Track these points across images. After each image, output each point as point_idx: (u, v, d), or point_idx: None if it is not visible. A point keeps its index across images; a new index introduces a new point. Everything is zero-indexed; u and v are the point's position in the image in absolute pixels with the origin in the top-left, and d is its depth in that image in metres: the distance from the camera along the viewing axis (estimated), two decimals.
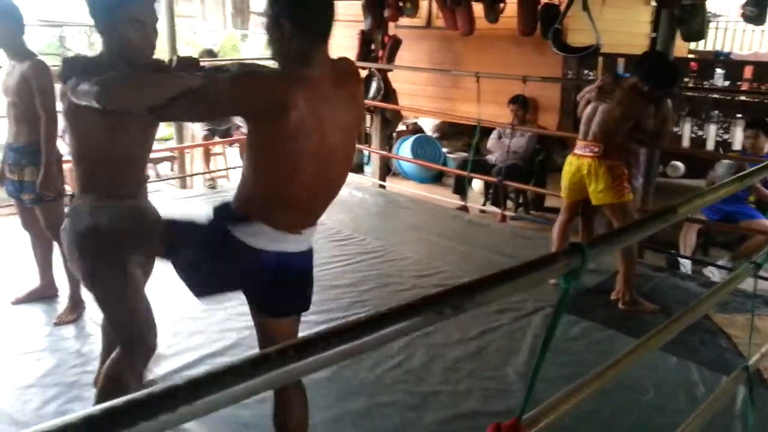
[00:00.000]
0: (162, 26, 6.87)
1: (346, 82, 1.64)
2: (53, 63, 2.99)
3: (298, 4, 1.53)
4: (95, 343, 2.77)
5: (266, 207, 1.61)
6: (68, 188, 3.10)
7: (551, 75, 5.23)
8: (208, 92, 1.58)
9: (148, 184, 2.09)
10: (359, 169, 6.76)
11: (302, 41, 1.52)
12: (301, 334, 2.82)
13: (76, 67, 1.72)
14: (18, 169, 2.88)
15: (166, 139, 7.07)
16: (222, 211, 1.67)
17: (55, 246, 3.03)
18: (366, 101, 5.84)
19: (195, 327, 2.94)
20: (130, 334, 1.88)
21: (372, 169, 6.26)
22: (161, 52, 9.82)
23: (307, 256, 1.73)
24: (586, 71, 5.52)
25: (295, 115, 1.47)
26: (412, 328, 0.74)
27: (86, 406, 2.32)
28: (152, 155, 6.55)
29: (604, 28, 4.50)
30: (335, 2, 1.61)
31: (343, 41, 7.40)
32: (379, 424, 2.29)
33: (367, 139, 6.76)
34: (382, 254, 3.98)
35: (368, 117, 6.53)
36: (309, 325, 2.96)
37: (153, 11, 1.80)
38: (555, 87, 5.57)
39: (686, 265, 4.33)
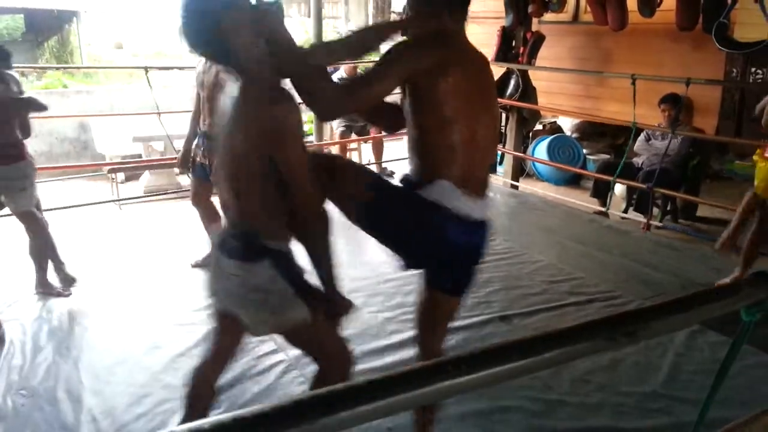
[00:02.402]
0: (310, 27, 7.22)
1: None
2: None
3: None
4: None
5: (469, 176, 1.65)
6: None
7: (711, 73, 4.78)
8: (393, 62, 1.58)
9: None
10: (491, 168, 6.64)
11: (452, 20, 1.66)
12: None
13: None
14: (210, 154, 3.26)
15: (307, 135, 7.44)
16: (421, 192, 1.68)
17: None
18: (503, 100, 5.71)
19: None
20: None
21: (505, 168, 6.12)
22: None
23: None
24: (754, 69, 4.97)
25: (471, 69, 1.63)
26: (580, 353, 0.70)
27: (221, 379, 2.50)
28: None
29: None
30: None
31: (481, 38, 7.31)
32: (501, 429, 2.24)
33: (501, 138, 6.62)
34: (511, 256, 3.88)
35: (504, 115, 6.39)
36: None
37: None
38: (715, 86, 5.08)
39: None
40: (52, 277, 3.24)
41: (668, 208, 5.12)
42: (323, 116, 1.69)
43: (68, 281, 3.22)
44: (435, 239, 1.65)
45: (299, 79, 1.52)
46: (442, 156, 1.64)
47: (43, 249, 3.14)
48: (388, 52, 1.58)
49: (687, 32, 4.57)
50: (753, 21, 4.15)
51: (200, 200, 3.50)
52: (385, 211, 1.70)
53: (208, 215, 3.51)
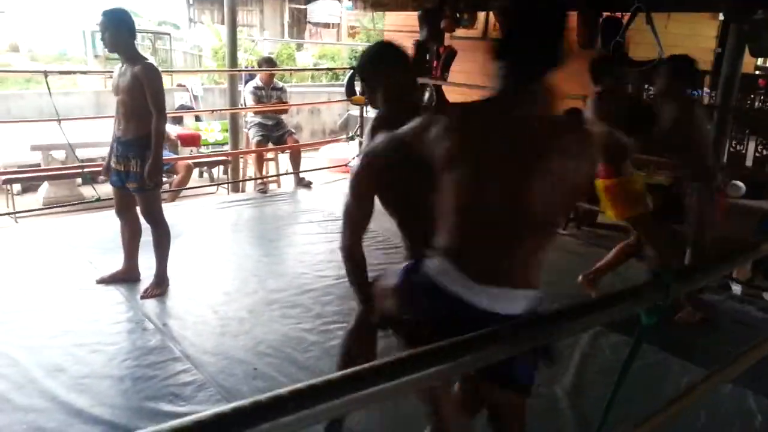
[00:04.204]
0: (224, 35, 7.08)
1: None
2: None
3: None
4: (152, 340, 2.85)
5: None
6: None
7: None
8: None
9: None
10: None
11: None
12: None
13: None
14: (124, 161, 3.14)
15: (221, 144, 7.26)
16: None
17: (146, 231, 3.32)
18: None
19: (241, 328, 3.00)
20: None
21: None
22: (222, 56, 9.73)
23: None
24: (647, 86, 5.37)
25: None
26: (500, 353, 0.73)
27: (131, 400, 2.39)
28: (207, 159, 6.69)
29: (668, 42, 4.38)
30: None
31: None
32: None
33: None
34: None
35: None
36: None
37: (404, 60, 1.92)
38: None
39: (737, 288, 4.13)
40: None
41: (571, 216, 5.41)
42: None
43: None
44: None
45: None
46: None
47: None
48: None
49: (587, 50, 4.87)
50: (646, 41, 4.49)
51: (121, 209, 3.32)
52: None
53: (129, 226, 3.36)
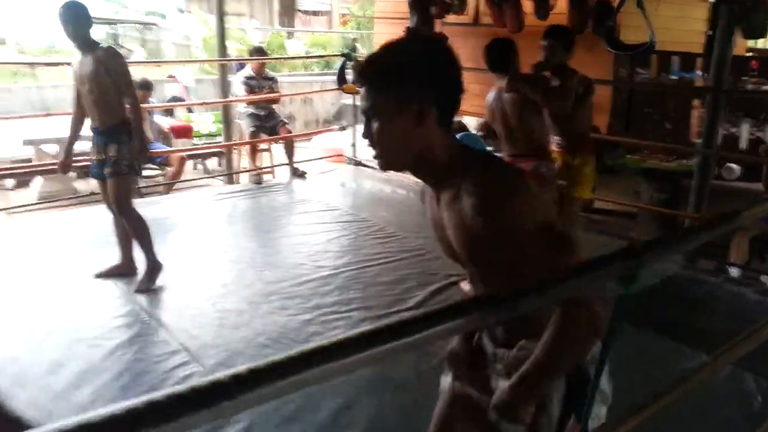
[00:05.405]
0: (212, 23, 7.02)
1: None
2: None
3: None
4: (150, 334, 2.86)
5: None
6: None
7: (602, 73, 5.09)
8: None
9: None
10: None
11: None
12: (345, 333, 2.85)
13: None
14: (103, 148, 3.15)
15: (214, 135, 7.22)
16: None
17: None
18: None
19: (240, 320, 3.00)
20: None
21: None
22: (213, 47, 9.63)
23: None
24: (639, 69, 5.37)
25: None
26: (467, 325, 0.73)
27: (131, 394, 2.40)
28: (201, 151, 6.66)
29: (658, 25, 4.37)
30: None
31: (389, 39, 7.42)
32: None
33: None
34: (424, 253, 3.96)
35: None
36: (353, 321, 2.99)
37: None
38: (606, 86, 5.42)
39: (734, 271, 4.16)
40: None
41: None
42: None
43: None
44: None
45: None
46: None
47: None
48: None
49: (578, 34, 4.85)
50: (636, 24, 4.48)
51: (109, 203, 3.32)
52: None
53: (120, 220, 3.34)
